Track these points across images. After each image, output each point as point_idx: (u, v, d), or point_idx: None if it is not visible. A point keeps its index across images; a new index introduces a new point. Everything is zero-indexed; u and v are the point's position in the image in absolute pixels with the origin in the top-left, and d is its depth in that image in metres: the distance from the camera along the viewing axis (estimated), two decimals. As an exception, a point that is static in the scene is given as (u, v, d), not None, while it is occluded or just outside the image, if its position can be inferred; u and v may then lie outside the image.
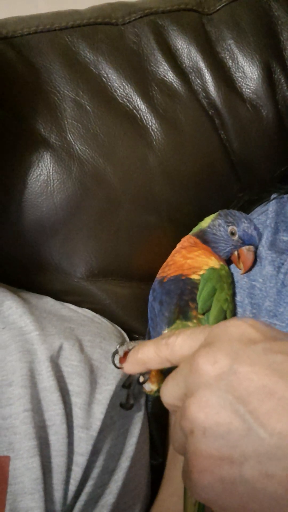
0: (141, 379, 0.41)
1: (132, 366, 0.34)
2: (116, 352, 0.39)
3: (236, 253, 0.52)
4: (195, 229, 0.55)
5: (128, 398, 0.46)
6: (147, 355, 0.33)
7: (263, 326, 0.28)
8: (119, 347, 0.39)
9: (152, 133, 0.55)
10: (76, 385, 0.45)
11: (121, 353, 0.39)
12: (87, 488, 0.44)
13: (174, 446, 0.29)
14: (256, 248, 0.52)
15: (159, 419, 0.54)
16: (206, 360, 0.27)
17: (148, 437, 0.51)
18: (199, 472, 0.26)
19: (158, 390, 0.43)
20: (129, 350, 0.37)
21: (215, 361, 0.26)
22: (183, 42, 0.56)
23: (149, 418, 0.52)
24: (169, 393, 0.29)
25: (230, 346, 0.27)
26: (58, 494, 0.42)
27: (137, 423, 0.48)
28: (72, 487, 0.43)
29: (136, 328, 0.56)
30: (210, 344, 0.28)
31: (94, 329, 0.50)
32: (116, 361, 0.39)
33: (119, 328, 0.54)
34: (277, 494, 0.24)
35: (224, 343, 0.27)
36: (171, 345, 0.31)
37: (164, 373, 0.45)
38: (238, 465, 0.25)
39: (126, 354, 0.38)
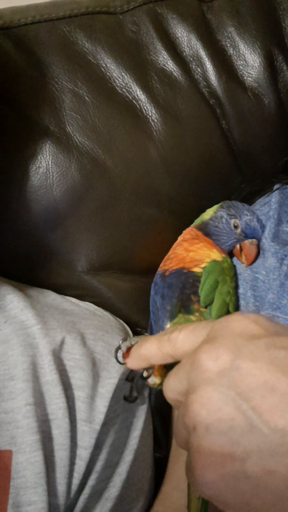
0: (145, 373, 0.41)
1: (135, 362, 0.34)
2: (119, 348, 0.39)
3: (238, 246, 0.52)
4: (197, 221, 0.54)
5: (131, 391, 0.46)
6: (149, 350, 0.32)
7: (266, 321, 0.28)
8: (122, 342, 0.39)
9: (152, 124, 0.54)
10: (79, 378, 0.45)
11: (124, 348, 0.39)
12: (91, 482, 0.44)
13: (177, 441, 0.29)
14: (259, 241, 0.52)
15: (162, 412, 0.54)
16: (208, 356, 0.26)
17: (152, 430, 0.51)
18: (202, 469, 0.25)
19: (161, 383, 0.43)
20: (132, 345, 0.37)
21: (217, 357, 0.26)
22: (183, 31, 0.55)
23: (152, 411, 0.52)
24: (172, 389, 0.29)
25: (232, 341, 0.26)
26: (61, 488, 0.42)
27: (141, 416, 0.48)
28: (76, 481, 0.43)
29: (138, 322, 0.56)
30: (212, 339, 0.27)
31: (96, 323, 0.50)
32: (119, 357, 0.39)
33: (122, 321, 0.54)
34: (280, 491, 0.24)
35: (226, 339, 0.27)
36: (173, 340, 0.31)
37: (167, 367, 0.44)
38: (241, 462, 0.25)
39: (129, 349, 0.38)
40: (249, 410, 0.25)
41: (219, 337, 0.27)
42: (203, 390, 0.26)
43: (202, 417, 0.26)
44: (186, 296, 0.47)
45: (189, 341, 0.30)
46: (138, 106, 0.54)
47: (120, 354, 0.38)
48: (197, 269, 0.48)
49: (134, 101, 0.54)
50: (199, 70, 0.55)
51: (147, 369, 0.40)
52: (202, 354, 0.27)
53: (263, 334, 0.27)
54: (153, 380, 0.45)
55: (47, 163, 0.52)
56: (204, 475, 0.25)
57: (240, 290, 0.51)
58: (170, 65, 0.55)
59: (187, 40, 0.55)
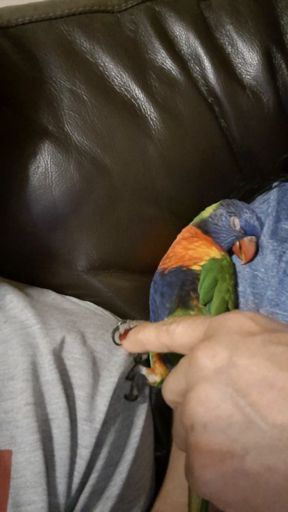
0: (144, 356, 0.41)
1: (131, 345, 0.34)
2: (117, 329, 0.39)
3: (237, 243, 0.52)
4: (196, 219, 0.54)
5: (132, 389, 0.46)
6: (147, 337, 0.33)
7: (262, 319, 0.28)
8: (120, 324, 0.39)
9: (151, 123, 0.54)
10: (79, 378, 0.45)
11: (121, 330, 0.39)
12: (91, 481, 0.44)
13: (176, 442, 0.29)
14: (258, 238, 0.52)
15: (163, 411, 0.54)
16: (205, 353, 0.26)
17: (152, 428, 0.51)
18: (200, 468, 0.25)
19: (161, 382, 0.43)
20: (130, 328, 0.37)
21: (214, 354, 0.26)
22: (181, 29, 0.55)
23: (153, 410, 0.52)
24: (170, 390, 0.29)
25: (229, 339, 0.26)
26: (61, 487, 0.42)
27: (141, 414, 0.48)
28: (76, 480, 0.43)
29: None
30: (209, 337, 0.27)
31: (97, 322, 0.50)
32: (116, 338, 0.39)
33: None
34: (280, 487, 0.24)
35: (223, 336, 0.27)
36: (171, 332, 0.31)
37: (169, 367, 0.45)
38: (240, 459, 0.24)
39: (127, 332, 0.38)
40: (247, 406, 0.25)
41: (215, 335, 0.27)
42: (201, 387, 0.26)
43: (200, 415, 0.25)
44: (185, 293, 0.47)
45: (187, 334, 0.30)
46: (136, 105, 0.54)
47: (117, 335, 0.39)
48: (196, 267, 0.48)
49: (132, 100, 0.54)
50: (198, 68, 0.55)
51: (141, 354, 0.41)
52: (199, 352, 0.27)
53: (260, 331, 0.27)
54: (153, 378, 0.45)
55: (46, 162, 0.52)
56: (203, 475, 0.25)
57: (239, 288, 0.51)
58: (169, 64, 0.55)
59: (185, 38, 0.55)
